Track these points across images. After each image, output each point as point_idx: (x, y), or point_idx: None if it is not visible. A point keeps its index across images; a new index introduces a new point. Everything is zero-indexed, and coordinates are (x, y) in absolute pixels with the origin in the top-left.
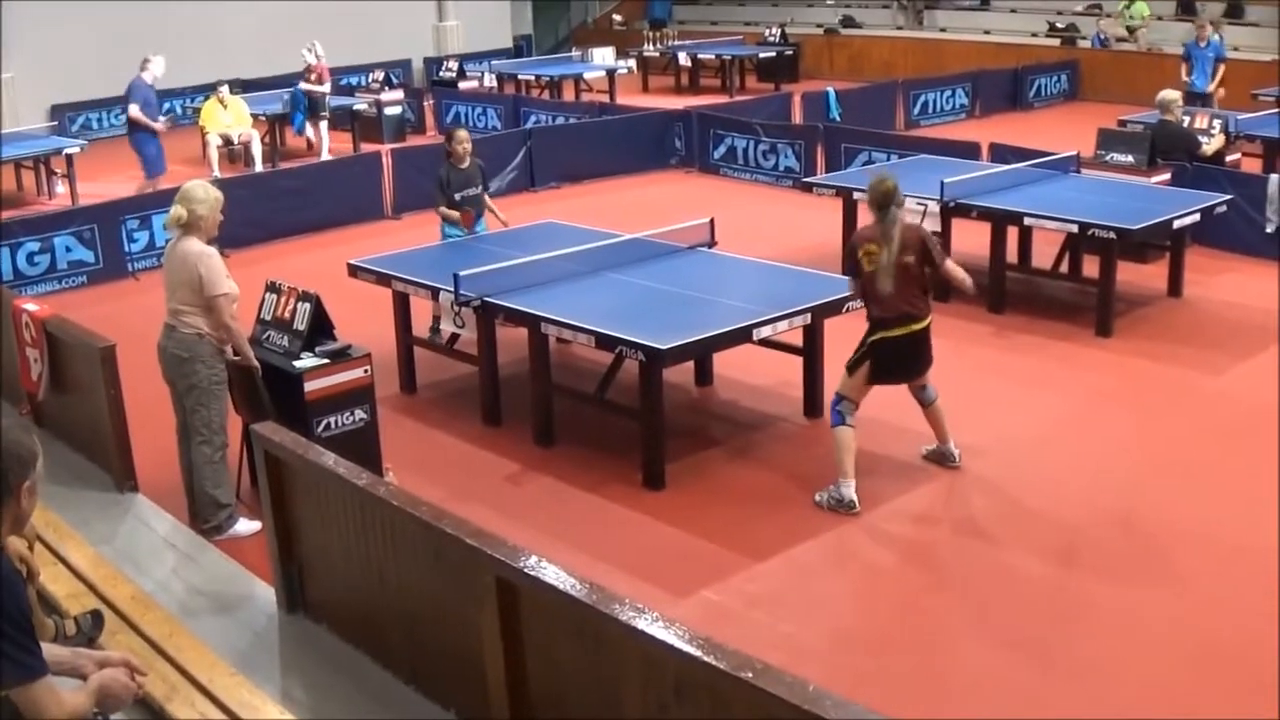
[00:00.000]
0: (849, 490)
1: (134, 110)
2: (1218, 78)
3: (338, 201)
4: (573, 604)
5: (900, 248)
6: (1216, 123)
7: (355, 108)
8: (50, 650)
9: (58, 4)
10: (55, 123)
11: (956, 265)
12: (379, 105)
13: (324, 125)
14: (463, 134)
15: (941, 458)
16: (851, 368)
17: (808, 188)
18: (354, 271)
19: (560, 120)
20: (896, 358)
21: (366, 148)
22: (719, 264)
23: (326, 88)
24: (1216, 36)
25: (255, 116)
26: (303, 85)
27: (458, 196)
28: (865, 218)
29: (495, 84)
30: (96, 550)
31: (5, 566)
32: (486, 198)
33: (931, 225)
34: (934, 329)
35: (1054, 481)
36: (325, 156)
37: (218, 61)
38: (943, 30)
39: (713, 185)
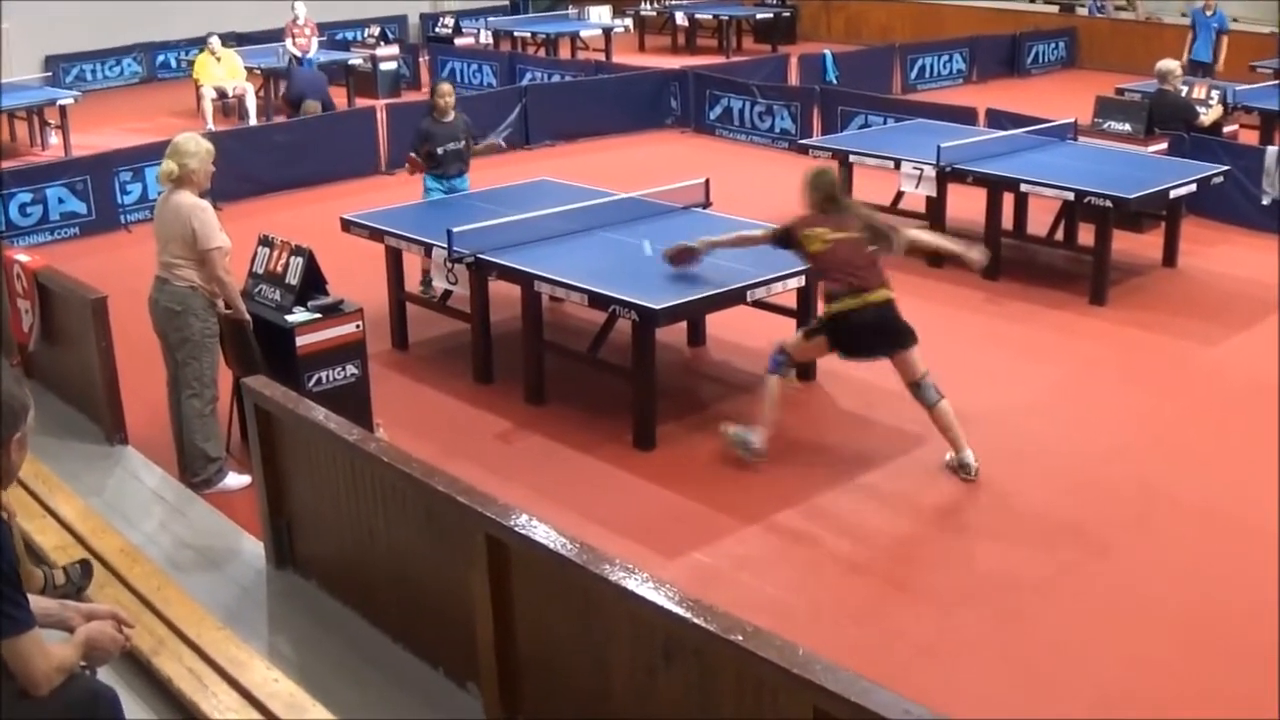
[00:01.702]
0: (759, 439)
1: None
2: (1223, 50)
3: (332, 156)
4: (562, 563)
5: (847, 229)
6: (1215, 93)
7: (350, 63)
8: (37, 602)
9: None
10: (49, 74)
11: (940, 237)
12: (374, 60)
13: None
14: (445, 87)
15: (958, 468)
16: (808, 334)
17: (803, 150)
18: (347, 226)
19: (556, 78)
20: (856, 329)
21: (361, 103)
22: (713, 225)
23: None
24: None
25: (250, 70)
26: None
27: (440, 150)
28: (860, 183)
29: (491, 41)
30: (86, 502)
31: None
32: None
33: (927, 190)
34: (927, 295)
35: (1045, 451)
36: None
37: (210, 14)
38: None
39: (708, 146)
